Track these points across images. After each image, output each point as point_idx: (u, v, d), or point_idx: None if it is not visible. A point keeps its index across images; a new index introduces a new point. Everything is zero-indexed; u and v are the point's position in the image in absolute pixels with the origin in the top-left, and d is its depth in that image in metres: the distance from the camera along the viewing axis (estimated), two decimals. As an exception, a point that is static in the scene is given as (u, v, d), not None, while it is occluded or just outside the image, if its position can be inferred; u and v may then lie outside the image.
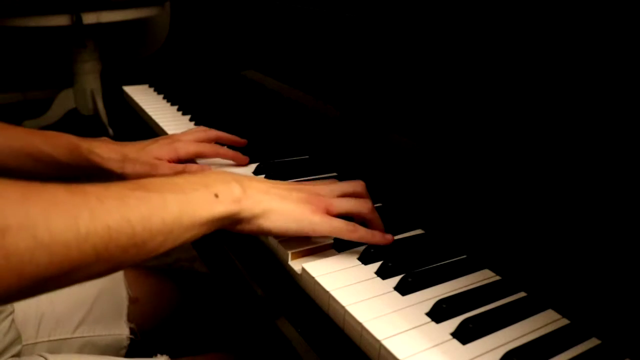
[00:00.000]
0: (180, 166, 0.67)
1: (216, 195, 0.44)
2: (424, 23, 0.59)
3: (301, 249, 0.51)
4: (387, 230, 0.55)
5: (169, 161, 0.68)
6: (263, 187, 0.48)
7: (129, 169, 0.66)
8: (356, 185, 0.54)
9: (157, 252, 0.41)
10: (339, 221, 0.49)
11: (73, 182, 0.38)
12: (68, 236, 0.35)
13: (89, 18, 1.95)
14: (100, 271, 0.38)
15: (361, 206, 0.52)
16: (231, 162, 0.72)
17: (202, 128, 0.74)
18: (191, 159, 0.70)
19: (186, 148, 0.69)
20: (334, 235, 0.50)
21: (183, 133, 0.73)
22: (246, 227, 0.47)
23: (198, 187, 0.44)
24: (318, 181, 0.56)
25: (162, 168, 0.66)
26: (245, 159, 0.72)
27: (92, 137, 0.71)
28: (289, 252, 0.50)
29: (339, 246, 0.52)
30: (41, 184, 0.36)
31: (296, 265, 0.50)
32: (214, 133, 0.74)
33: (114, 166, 0.67)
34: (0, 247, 0.32)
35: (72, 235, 0.35)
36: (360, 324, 0.41)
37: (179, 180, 0.45)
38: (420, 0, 0.59)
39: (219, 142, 0.74)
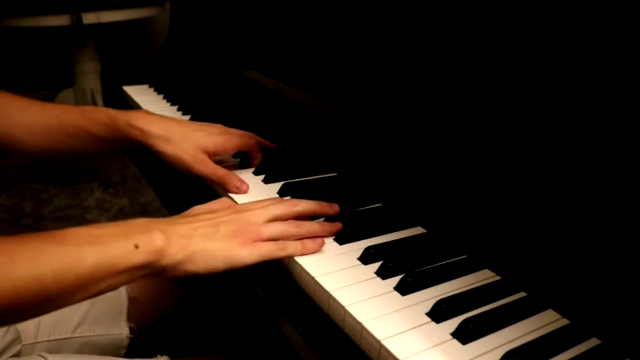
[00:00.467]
0: (221, 172, 0.64)
1: (136, 246, 0.44)
2: (428, 22, 0.59)
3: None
4: (387, 229, 0.55)
5: (213, 153, 0.66)
6: (187, 231, 0.48)
7: (169, 150, 0.64)
8: (287, 207, 0.54)
9: (69, 304, 0.42)
10: (267, 245, 0.49)
11: None
12: None
13: (89, 18, 1.95)
14: (5, 322, 0.41)
15: (289, 229, 0.52)
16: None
17: (244, 132, 0.72)
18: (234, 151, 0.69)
19: (231, 141, 0.67)
20: (269, 259, 0.50)
21: (230, 129, 0.71)
22: (172, 273, 0.47)
23: (118, 237, 0.44)
24: (253, 203, 0.55)
25: (203, 166, 0.64)
26: (270, 144, 0.73)
27: (132, 110, 0.69)
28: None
29: (341, 239, 0.53)
30: None
31: (296, 264, 0.50)
32: (255, 138, 0.72)
33: (154, 142, 0.65)
34: None
35: None
36: (360, 324, 0.41)
37: (98, 231, 0.44)
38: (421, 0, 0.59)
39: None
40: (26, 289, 0.38)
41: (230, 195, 0.63)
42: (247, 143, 0.69)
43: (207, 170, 0.64)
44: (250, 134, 0.72)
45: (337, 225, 0.54)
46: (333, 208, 0.57)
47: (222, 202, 0.56)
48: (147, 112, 0.68)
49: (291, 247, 0.50)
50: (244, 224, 0.50)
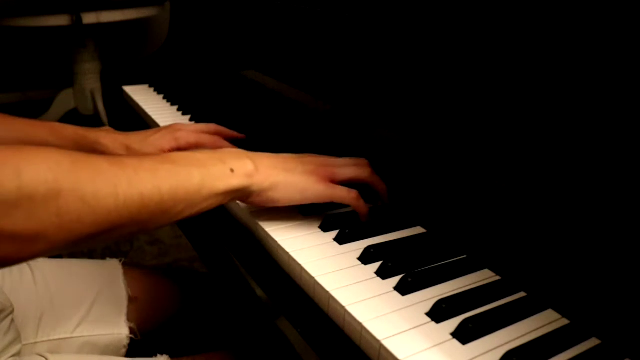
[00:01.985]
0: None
1: (232, 170, 0.50)
2: (430, 21, 0.59)
3: (302, 247, 0.51)
4: (387, 229, 0.56)
5: (170, 150, 0.70)
6: (272, 162, 0.53)
7: None
8: (359, 160, 0.59)
9: (179, 218, 0.47)
10: (342, 189, 0.55)
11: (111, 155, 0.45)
12: (109, 201, 0.41)
13: (89, 18, 1.95)
14: (132, 232, 0.44)
15: (362, 171, 0.57)
16: None
17: (203, 123, 0.77)
18: (191, 149, 0.72)
19: (187, 138, 0.73)
20: (337, 201, 0.55)
21: (185, 124, 0.76)
22: (257, 199, 0.53)
23: (216, 162, 0.50)
24: (326, 156, 0.59)
25: None
26: (240, 135, 0.76)
27: (95, 127, 0.74)
28: (289, 252, 0.51)
29: (341, 239, 0.53)
30: (87, 155, 0.42)
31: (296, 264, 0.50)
32: (214, 127, 0.77)
33: (118, 155, 0.68)
34: (53, 206, 0.38)
35: (113, 200, 0.41)
36: (360, 324, 0.41)
37: (201, 155, 0.50)
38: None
39: (219, 135, 0.76)
40: (150, 198, 0.43)
41: None
42: (205, 140, 0.73)
43: None
44: (211, 129, 0.76)
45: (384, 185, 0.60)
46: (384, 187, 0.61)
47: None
48: (111, 130, 0.74)
49: (362, 202, 0.55)
50: (320, 164, 0.56)
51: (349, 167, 0.57)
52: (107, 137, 0.72)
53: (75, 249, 0.41)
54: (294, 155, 0.57)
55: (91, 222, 0.40)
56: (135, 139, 0.72)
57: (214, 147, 0.73)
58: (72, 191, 0.39)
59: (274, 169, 0.53)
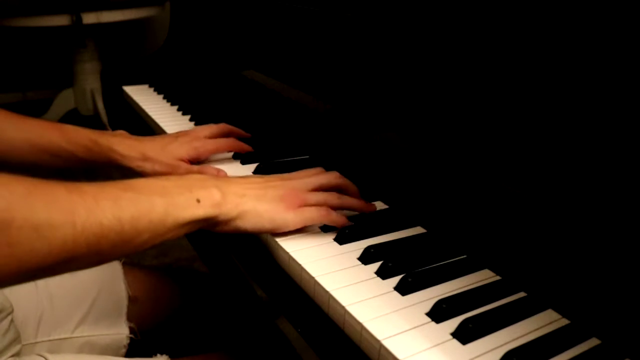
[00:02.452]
0: (196, 167, 0.70)
1: (198, 200, 0.48)
2: (431, 20, 0.59)
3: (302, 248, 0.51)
4: (387, 229, 0.55)
5: (189, 160, 0.70)
6: (240, 189, 0.52)
7: (148, 167, 0.69)
8: (329, 178, 0.58)
9: (141, 249, 0.45)
10: (310, 210, 0.53)
11: (72, 181, 0.42)
12: (66, 231, 0.39)
13: (89, 18, 1.95)
14: (91, 262, 0.43)
15: (331, 199, 0.55)
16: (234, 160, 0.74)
17: (214, 124, 0.76)
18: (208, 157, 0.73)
19: (205, 147, 0.72)
20: (308, 225, 0.54)
21: (199, 128, 0.75)
22: (224, 227, 0.51)
23: (183, 191, 0.48)
24: (298, 172, 0.59)
25: (181, 170, 0.69)
26: (247, 147, 0.75)
27: (110, 132, 0.73)
28: (290, 252, 0.51)
29: (341, 239, 0.53)
30: (44, 182, 0.40)
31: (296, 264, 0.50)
32: (225, 127, 0.76)
33: (133, 164, 0.69)
34: (5, 236, 0.36)
35: (70, 230, 0.39)
36: (360, 324, 0.41)
37: (167, 183, 0.48)
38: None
39: (232, 135, 0.77)
40: (110, 228, 0.41)
41: None
42: (223, 145, 0.73)
43: (184, 173, 0.68)
44: (224, 129, 0.75)
45: (372, 206, 0.59)
46: (370, 207, 0.59)
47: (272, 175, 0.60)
48: (126, 135, 0.72)
49: (334, 215, 0.54)
50: (290, 189, 0.54)
51: (318, 194, 0.55)
52: (121, 143, 0.70)
53: (29, 280, 0.40)
54: (261, 179, 0.55)
55: (45, 253, 0.38)
56: (151, 146, 0.70)
57: (230, 150, 0.74)
58: (25, 220, 0.37)
59: (242, 197, 0.51)
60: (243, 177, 0.56)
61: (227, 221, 0.50)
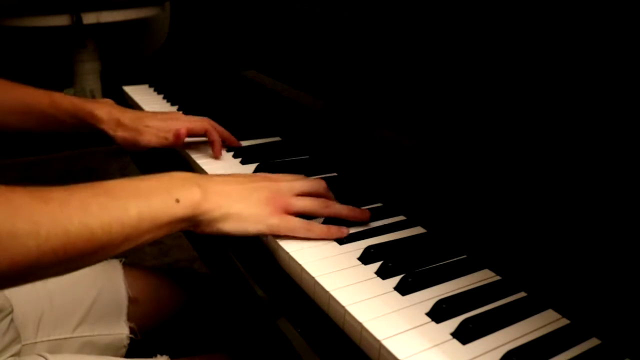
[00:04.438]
0: (162, 133, 0.72)
1: (177, 200, 0.46)
2: (431, 19, 0.59)
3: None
4: (387, 229, 0.55)
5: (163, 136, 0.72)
6: (223, 189, 0.50)
7: (119, 133, 0.73)
8: (316, 185, 0.56)
9: (115, 253, 0.44)
10: (295, 221, 0.52)
11: (40, 186, 0.41)
12: (29, 240, 0.38)
13: (89, 18, 1.95)
14: (59, 271, 0.42)
15: (318, 206, 0.54)
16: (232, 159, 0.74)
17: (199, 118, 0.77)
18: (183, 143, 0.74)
19: (179, 123, 0.74)
20: (291, 234, 0.52)
21: (182, 115, 0.78)
22: (206, 229, 0.49)
23: (161, 192, 0.46)
24: (285, 175, 0.57)
25: (146, 135, 0.72)
26: (236, 141, 0.76)
27: (96, 99, 0.78)
28: (290, 252, 0.51)
29: (341, 239, 0.53)
30: (8, 189, 0.39)
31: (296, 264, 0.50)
32: (208, 122, 0.75)
33: (108, 128, 0.73)
34: None
35: (33, 239, 0.38)
36: (360, 324, 0.41)
37: (144, 184, 0.47)
38: None
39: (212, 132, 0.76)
40: (77, 236, 0.40)
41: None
42: (200, 127, 0.73)
43: (149, 138, 0.72)
44: (205, 120, 0.75)
45: (366, 213, 0.56)
46: (364, 214, 0.57)
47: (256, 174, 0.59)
48: (109, 103, 0.76)
49: (317, 230, 0.52)
50: (276, 192, 0.52)
51: (304, 200, 0.53)
52: (102, 109, 0.73)
53: None
54: (246, 178, 0.54)
55: (8, 263, 0.37)
56: (129, 116, 0.73)
57: (203, 134, 0.74)
58: None
59: (225, 198, 0.50)
60: (227, 175, 0.55)
61: (209, 222, 0.49)
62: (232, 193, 0.50)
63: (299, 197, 0.53)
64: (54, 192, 0.41)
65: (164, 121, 0.74)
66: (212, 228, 0.49)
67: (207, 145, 0.75)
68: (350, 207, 0.56)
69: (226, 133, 0.76)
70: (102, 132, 0.73)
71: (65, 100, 0.74)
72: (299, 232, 0.51)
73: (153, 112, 0.77)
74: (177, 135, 0.71)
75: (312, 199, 0.54)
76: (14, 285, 0.41)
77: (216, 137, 0.73)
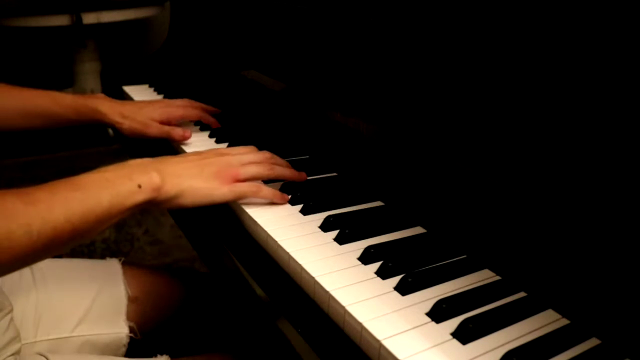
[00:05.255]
0: (166, 128, 0.79)
1: (139, 186, 0.53)
2: (431, 19, 0.59)
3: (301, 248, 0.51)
4: (387, 229, 0.55)
5: (160, 121, 0.80)
6: (177, 170, 0.57)
7: (126, 124, 0.80)
8: (261, 155, 0.63)
9: (91, 238, 0.56)
10: (244, 185, 0.58)
11: (26, 189, 0.47)
12: (24, 240, 0.44)
13: (89, 18, 1.95)
14: (48, 257, 0.49)
15: (263, 169, 0.61)
16: None
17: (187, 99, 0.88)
18: (179, 122, 0.83)
19: (177, 111, 0.83)
20: (241, 199, 0.59)
21: (172, 100, 0.87)
22: (165, 205, 0.56)
23: (125, 180, 0.52)
24: (233, 148, 0.64)
25: (152, 128, 0.79)
26: (216, 124, 0.85)
27: (93, 94, 0.86)
28: (289, 252, 0.51)
29: (341, 239, 0.53)
30: (1, 195, 0.44)
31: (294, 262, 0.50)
32: (199, 104, 0.88)
33: (114, 121, 0.80)
34: None
35: (27, 239, 0.44)
36: (360, 324, 0.41)
37: (110, 175, 0.53)
38: None
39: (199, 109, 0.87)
40: (63, 230, 0.47)
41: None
42: (191, 113, 0.84)
43: (155, 131, 0.79)
44: (195, 104, 0.87)
45: (302, 175, 0.65)
46: (301, 175, 0.65)
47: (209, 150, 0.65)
48: (106, 97, 0.84)
49: (265, 191, 0.59)
50: (225, 165, 0.59)
51: (250, 167, 0.60)
52: (104, 104, 0.80)
53: None
54: (197, 156, 0.60)
55: (7, 260, 0.43)
56: (129, 107, 0.81)
57: (198, 119, 0.85)
58: None
59: (179, 177, 0.56)
60: (181, 156, 0.61)
61: (168, 200, 0.55)
62: (185, 171, 0.57)
63: (247, 166, 0.60)
64: (38, 193, 0.47)
65: (163, 109, 0.82)
66: (170, 204, 0.56)
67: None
68: (291, 169, 0.64)
69: (212, 108, 0.88)
70: (108, 124, 0.81)
71: (66, 99, 0.79)
72: (248, 194, 0.58)
73: (148, 102, 0.86)
74: (183, 137, 0.79)
75: (257, 164, 0.61)
76: (11, 272, 0.48)
77: (212, 119, 0.85)
